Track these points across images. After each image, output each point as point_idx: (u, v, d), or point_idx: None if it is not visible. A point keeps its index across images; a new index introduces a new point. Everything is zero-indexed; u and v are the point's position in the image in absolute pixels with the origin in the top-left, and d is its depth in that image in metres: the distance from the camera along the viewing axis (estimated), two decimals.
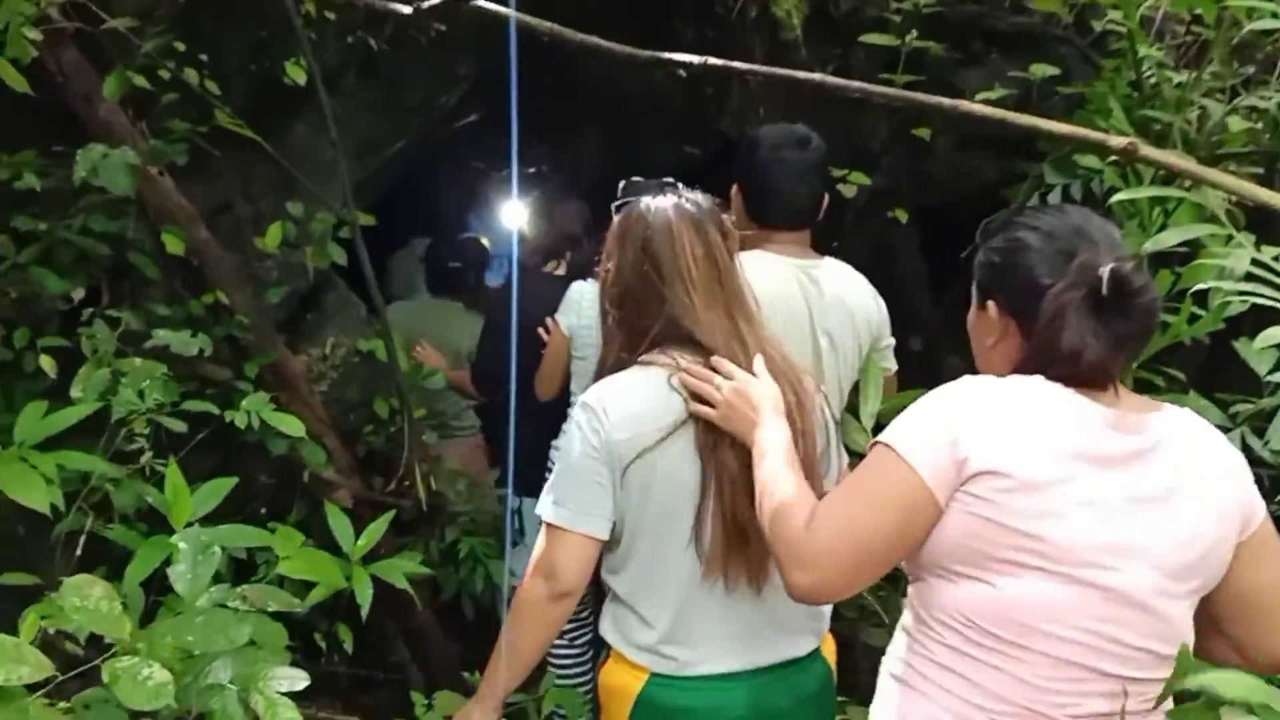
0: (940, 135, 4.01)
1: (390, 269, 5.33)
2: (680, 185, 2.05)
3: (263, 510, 3.25)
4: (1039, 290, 1.54)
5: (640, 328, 1.94)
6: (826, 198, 2.60)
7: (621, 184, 2.10)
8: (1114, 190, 3.39)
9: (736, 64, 2.76)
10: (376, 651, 3.82)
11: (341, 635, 2.78)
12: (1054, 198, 3.74)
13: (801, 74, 2.86)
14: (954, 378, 1.57)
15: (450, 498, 3.67)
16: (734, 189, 2.57)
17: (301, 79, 3.04)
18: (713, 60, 2.62)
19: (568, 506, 1.90)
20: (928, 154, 4.07)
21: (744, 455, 1.84)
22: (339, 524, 2.32)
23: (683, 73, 2.58)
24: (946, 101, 2.53)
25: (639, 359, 1.94)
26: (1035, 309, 1.54)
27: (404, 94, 3.76)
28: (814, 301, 2.51)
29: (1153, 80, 3.79)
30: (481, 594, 3.64)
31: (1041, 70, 3.94)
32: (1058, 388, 1.53)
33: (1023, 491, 1.47)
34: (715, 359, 1.89)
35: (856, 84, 2.70)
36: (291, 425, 2.77)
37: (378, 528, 2.33)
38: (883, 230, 4.31)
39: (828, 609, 2.06)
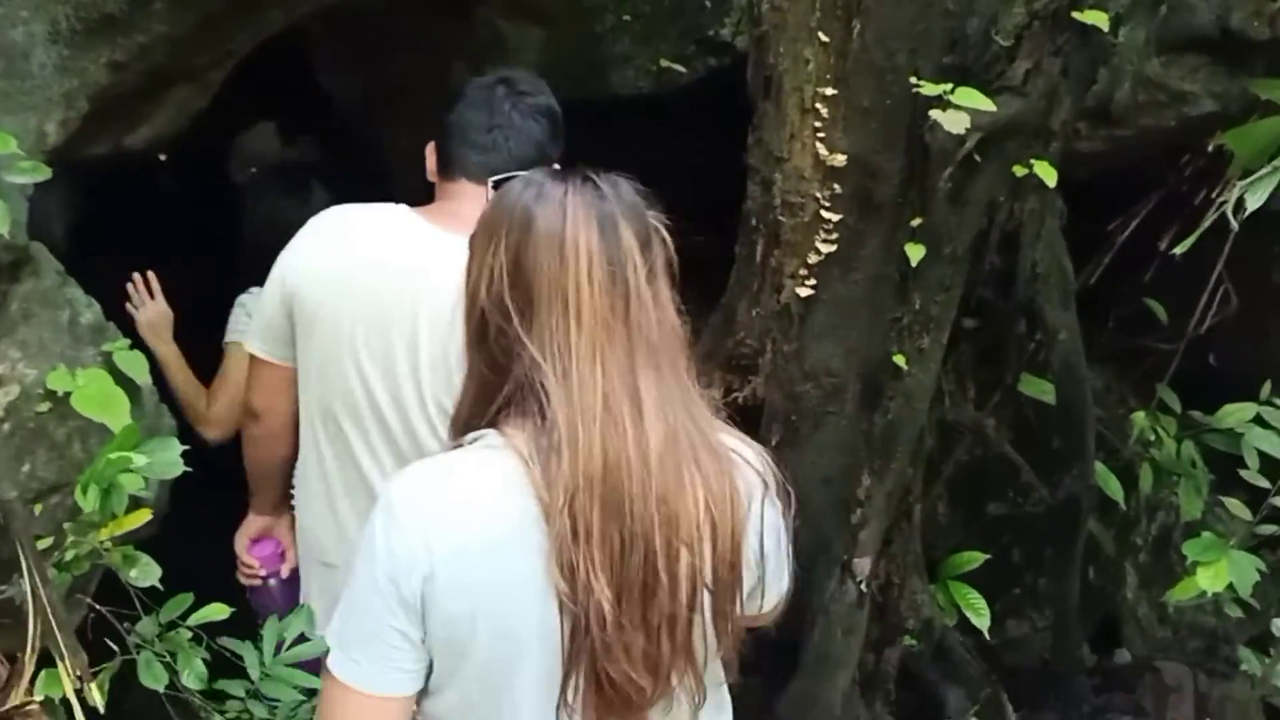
0: (1129, 20, 2.09)
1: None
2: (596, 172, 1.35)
3: None
4: None
5: (489, 383, 1.32)
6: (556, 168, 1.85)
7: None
8: None
9: None
10: None
11: None
12: None
13: None
14: None
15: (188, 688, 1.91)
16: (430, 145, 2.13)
17: None
18: None
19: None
20: (1105, 60, 2.13)
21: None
22: None
23: None
24: None
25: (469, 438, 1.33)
26: None
27: None
28: (423, 293, 1.98)
29: None
30: None
31: None
32: None
33: None
34: None
35: None
36: None
37: None
38: (1004, 197, 2.42)
39: None
